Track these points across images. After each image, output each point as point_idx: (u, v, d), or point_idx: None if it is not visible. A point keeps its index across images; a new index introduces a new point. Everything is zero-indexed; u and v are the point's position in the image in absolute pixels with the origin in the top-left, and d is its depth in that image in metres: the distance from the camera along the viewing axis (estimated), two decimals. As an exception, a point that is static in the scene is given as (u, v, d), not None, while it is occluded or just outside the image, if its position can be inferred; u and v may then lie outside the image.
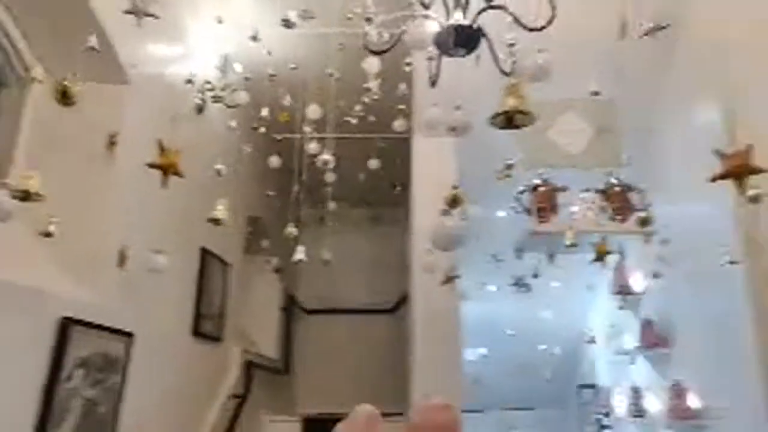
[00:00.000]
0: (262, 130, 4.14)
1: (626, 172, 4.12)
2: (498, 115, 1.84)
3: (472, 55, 2.91)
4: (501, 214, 5.05)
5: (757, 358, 3.20)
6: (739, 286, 3.34)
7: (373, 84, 3.68)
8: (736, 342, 3.43)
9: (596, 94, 4.01)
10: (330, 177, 5.68)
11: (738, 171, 1.84)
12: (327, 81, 4.04)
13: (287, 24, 2.96)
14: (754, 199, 2.09)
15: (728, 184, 3.11)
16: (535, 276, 4.15)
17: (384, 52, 2.85)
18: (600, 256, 3.02)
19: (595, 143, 4.20)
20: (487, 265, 4.91)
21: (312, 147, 4.49)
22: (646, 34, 3.13)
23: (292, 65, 3.91)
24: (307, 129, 4.39)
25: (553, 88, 4.31)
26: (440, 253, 3.79)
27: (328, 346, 6.92)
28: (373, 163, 5.17)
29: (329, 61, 4.15)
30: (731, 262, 3.05)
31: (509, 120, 1.89)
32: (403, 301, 6.49)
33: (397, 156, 5.44)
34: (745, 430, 3.37)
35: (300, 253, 3.46)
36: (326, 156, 3.94)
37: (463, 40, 2.71)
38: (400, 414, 4.11)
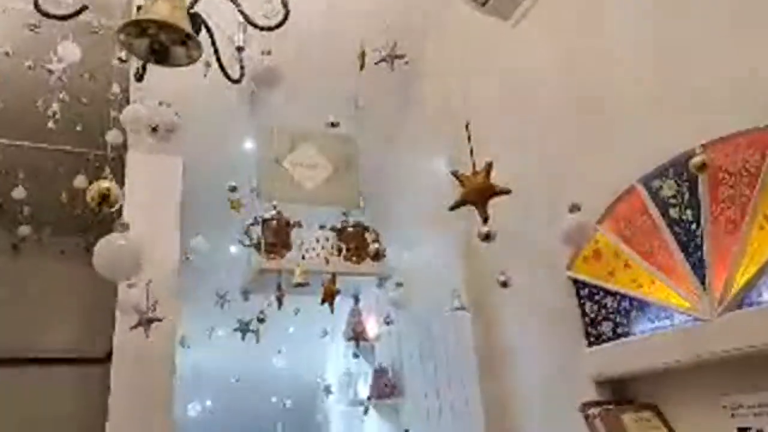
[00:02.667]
0: None
1: (363, 213, 3.91)
2: (135, 24, 1.13)
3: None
4: (233, 249, 4.48)
5: (483, 407, 3.04)
6: (465, 334, 3.20)
7: (57, 66, 2.86)
8: (462, 391, 3.27)
9: (334, 125, 3.72)
10: (19, 193, 4.58)
11: (480, 193, 1.52)
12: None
13: None
14: (487, 237, 1.83)
15: (458, 230, 2.96)
16: (261, 320, 3.60)
17: (67, 17, 2.13)
18: (328, 297, 2.60)
19: (333, 180, 3.91)
20: (213, 306, 4.24)
21: None
22: (382, 61, 2.92)
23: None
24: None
25: (291, 116, 3.96)
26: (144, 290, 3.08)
27: (20, 403, 5.52)
28: (80, 181, 4.23)
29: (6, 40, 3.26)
30: (459, 308, 2.87)
31: (157, 44, 1.21)
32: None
33: (112, 172, 4.58)
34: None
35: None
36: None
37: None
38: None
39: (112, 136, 3.90)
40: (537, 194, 2.57)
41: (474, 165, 1.58)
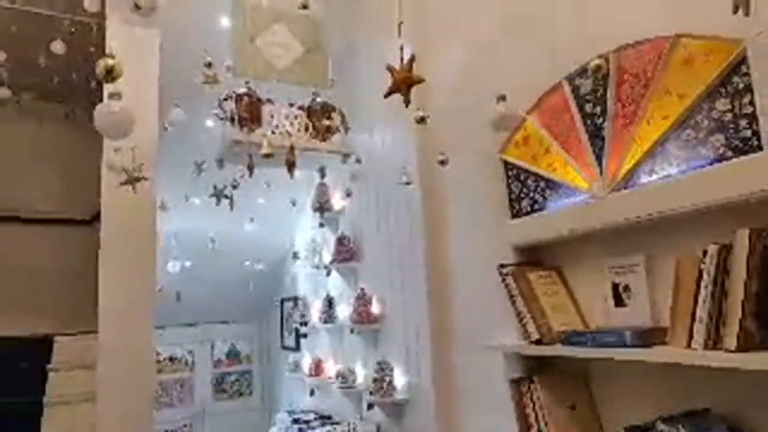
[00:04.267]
0: None
1: (329, 92, 4.11)
2: None
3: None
4: (209, 122, 4.69)
5: (425, 271, 3.49)
6: (415, 206, 3.57)
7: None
8: (411, 254, 3.70)
9: (305, 7, 3.84)
10: (-1, 55, 4.63)
11: (403, 83, 1.80)
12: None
13: None
14: (421, 120, 2.13)
15: (409, 113, 3.22)
16: (234, 186, 3.92)
17: None
18: (289, 166, 2.90)
19: (303, 60, 4.06)
20: (189, 176, 4.51)
21: None
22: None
23: None
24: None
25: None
26: (129, 153, 3.33)
27: (4, 259, 5.84)
28: (58, 47, 4.31)
29: None
30: (407, 183, 3.21)
31: None
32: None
33: (92, 44, 4.63)
34: (412, 330, 3.72)
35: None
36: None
37: None
38: (95, 332, 3.64)
39: (89, 3, 3.97)
40: (480, 83, 2.83)
41: (402, 59, 1.83)
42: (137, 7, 2.42)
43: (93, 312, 4.47)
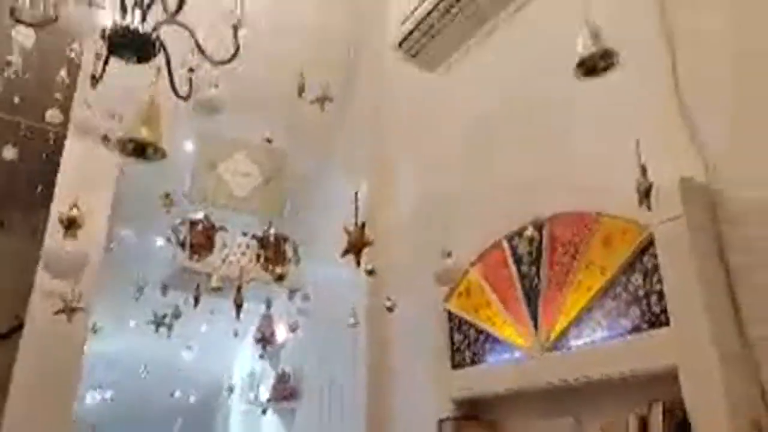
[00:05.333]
0: None
1: (285, 223, 4.37)
2: (127, 140, 1.72)
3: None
4: (159, 242, 4.85)
5: (364, 417, 3.57)
6: (360, 349, 3.72)
7: (16, 59, 3.20)
8: (351, 397, 3.79)
9: (269, 141, 4.22)
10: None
11: (356, 245, 2.07)
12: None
13: None
14: (370, 272, 2.39)
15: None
16: (177, 316, 4.01)
17: (33, 25, 2.55)
18: (236, 307, 3.07)
19: (261, 189, 4.36)
20: (128, 297, 4.58)
21: None
22: (315, 101, 3.44)
23: None
24: None
25: (229, 125, 4.39)
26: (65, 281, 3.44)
27: None
28: (9, 152, 4.51)
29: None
30: (354, 324, 3.39)
31: (139, 149, 1.79)
32: (20, 327, 5.64)
33: (46, 150, 4.85)
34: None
35: None
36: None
37: (136, 46, 2.59)
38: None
39: (51, 115, 4.24)
40: (430, 235, 3.13)
41: (356, 223, 2.12)
42: (106, 139, 2.66)
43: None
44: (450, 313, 2.94)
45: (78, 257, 1.86)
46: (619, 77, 1.70)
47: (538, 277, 2.47)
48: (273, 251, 4.27)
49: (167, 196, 3.67)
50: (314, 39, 3.84)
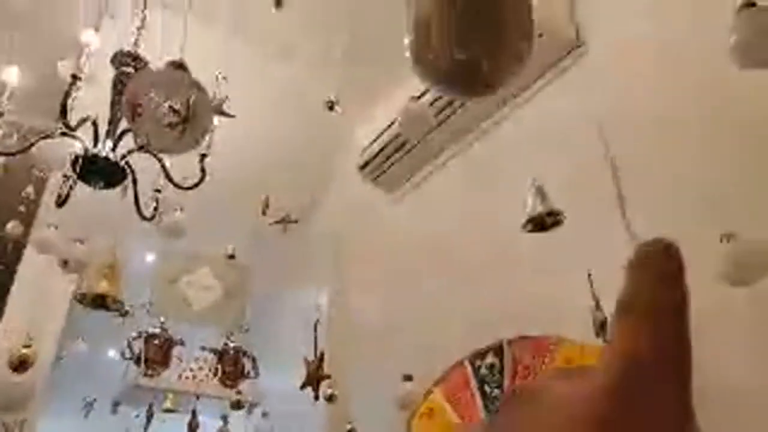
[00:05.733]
0: None
1: (245, 335, 4.31)
2: (87, 295, 1.77)
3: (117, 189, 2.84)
4: (111, 353, 4.70)
5: None
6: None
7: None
8: None
9: (232, 257, 4.24)
10: None
11: (314, 377, 2.09)
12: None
13: None
14: (330, 399, 2.38)
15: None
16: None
17: (9, 154, 2.59)
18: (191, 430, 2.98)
19: (221, 303, 4.33)
20: (76, 414, 4.37)
21: None
22: (278, 222, 3.53)
23: None
24: None
25: (193, 240, 4.40)
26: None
27: None
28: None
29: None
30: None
31: (100, 301, 1.82)
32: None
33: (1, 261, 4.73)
34: None
35: None
36: None
37: (105, 173, 2.65)
38: None
39: (12, 226, 4.18)
40: (390, 356, 3.13)
41: (315, 354, 2.14)
42: (65, 263, 2.64)
43: None
44: (410, 435, 2.90)
45: (26, 388, 1.81)
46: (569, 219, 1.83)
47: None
48: (231, 365, 4.19)
49: (124, 314, 3.60)
50: (280, 161, 3.97)
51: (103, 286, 1.72)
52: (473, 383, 2.66)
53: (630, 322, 0.25)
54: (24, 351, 1.79)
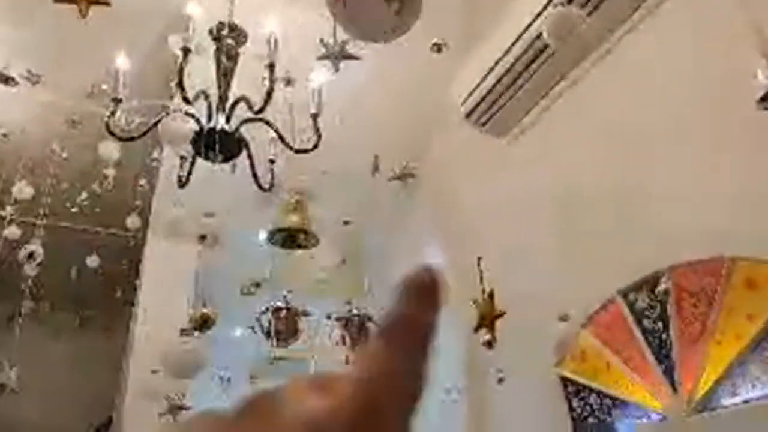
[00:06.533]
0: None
1: (367, 302, 4.22)
2: (278, 231, 1.67)
3: (228, 164, 2.76)
4: (238, 333, 4.76)
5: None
6: (459, 422, 3.46)
7: (111, 172, 3.23)
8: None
9: (347, 223, 4.13)
10: (31, 270, 4.81)
11: (488, 317, 1.91)
12: (47, 158, 3.52)
13: (5, 79, 2.47)
14: (489, 343, 2.21)
15: (455, 325, 3.30)
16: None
17: (130, 139, 2.54)
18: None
19: (340, 271, 4.26)
20: (217, 390, 4.44)
21: (11, 232, 3.82)
22: (396, 178, 3.36)
23: (3, 130, 3.29)
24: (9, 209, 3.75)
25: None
26: (165, 377, 3.35)
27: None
28: (93, 261, 4.53)
29: (55, 135, 3.63)
30: (455, 400, 3.15)
31: (290, 239, 1.71)
32: (105, 427, 5.54)
33: (125, 257, 4.87)
34: None
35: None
36: (33, 247, 3.28)
37: (223, 146, 2.56)
38: None
39: (131, 222, 4.27)
40: (529, 300, 2.91)
41: (483, 291, 1.95)
42: (202, 238, 2.60)
43: None
44: (564, 379, 2.70)
45: (197, 356, 1.74)
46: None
47: (668, 332, 2.24)
48: (357, 331, 4.11)
49: (257, 285, 3.58)
50: (384, 120, 3.80)
51: (293, 220, 1.61)
52: (630, 320, 2.42)
53: (374, 344, 0.25)
54: (204, 311, 1.74)
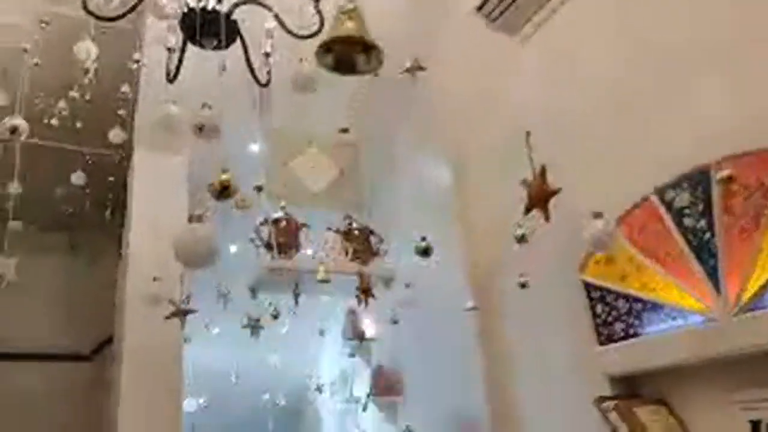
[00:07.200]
0: None
1: (368, 215, 3.99)
2: (331, 43, 1.35)
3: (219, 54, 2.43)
4: (232, 248, 4.54)
5: (488, 407, 3.17)
6: (472, 336, 3.31)
7: (91, 65, 2.87)
8: (467, 391, 3.37)
9: (345, 131, 3.81)
10: (15, 188, 4.49)
11: (539, 197, 1.66)
12: (20, 63, 3.15)
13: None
14: (522, 239, 1.98)
15: (460, 230, 3.07)
16: (275, 317, 3.68)
17: (114, 19, 2.21)
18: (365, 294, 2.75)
19: (339, 182, 3.99)
20: (212, 303, 4.27)
21: None
22: (405, 71, 3.02)
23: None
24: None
25: (296, 119, 4.00)
26: (165, 284, 3.16)
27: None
28: (78, 178, 4.21)
29: (27, 38, 3.24)
30: (472, 308, 2.96)
31: (345, 62, 1.39)
32: (106, 344, 5.43)
33: (110, 172, 4.55)
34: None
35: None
36: (17, 121, 2.94)
37: (214, 28, 2.23)
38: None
39: (114, 135, 3.93)
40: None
41: (534, 171, 1.70)
42: (199, 129, 2.30)
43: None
44: (588, 285, 2.51)
45: (211, 241, 1.50)
46: None
47: (711, 230, 2.03)
48: (360, 243, 3.91)
49: (260, 188, 3.32)
50: (389, 9, 3.42)
51: (348, 28, 1.31)
52: (666, 217, 2.20)
53: None
54: (224, 176, 1.51)
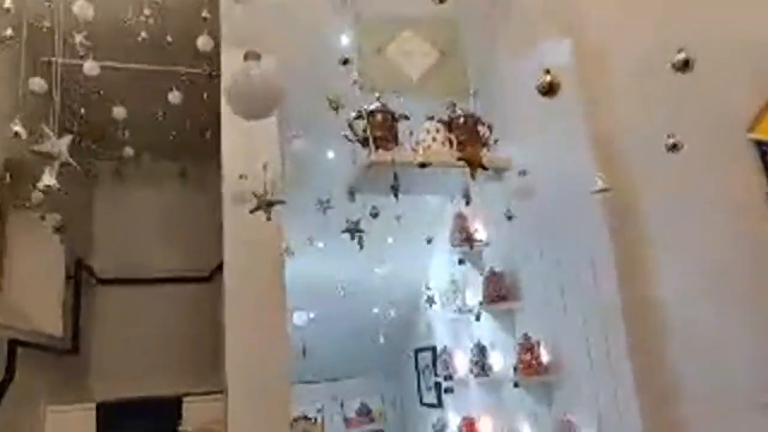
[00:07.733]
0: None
1: (473, 102, 3.52)
2: None
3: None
4: (331, 155, 4.27)
5: (618, 304, 2.69)
6: (597, 221, 2.81)
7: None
8: (594, 292, 2.91)
9: (441, 1, 3.30)
10: (120, 112, 4.42)
11: None
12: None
13: None
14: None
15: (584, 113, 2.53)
16: (375, 215, 3.37)
17: None
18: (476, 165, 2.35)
19: (439, 66, 3.51)
20: (314, 215, 4.05)
21: (90, 66, 3.37)
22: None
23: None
24: (81, 40, 3.24)
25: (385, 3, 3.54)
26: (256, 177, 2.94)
27: (128, 322, 5.65)
28: (175, 97, 4.04)
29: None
30: (603, 190, 2.42)
31: None
32: (220, 268, 5.47)
33: (204, 90, 4.35)
34: (607, 383, 2.88)
35: (48, 178, 2.10)
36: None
37: None
38: (219, 392, 3.48)
39: (203, 43, 3.69)
40: (708, 57, 2.06)
41: None
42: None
43: (220, 370, 4.09)
44: (761, 144, 1.93)
45: (269, 80, 1.14)
46: None
47: None
48: (466, 133, 3.44)
49: (346, 62, 2.97)
50: None
51: None
52: None
53: None
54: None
